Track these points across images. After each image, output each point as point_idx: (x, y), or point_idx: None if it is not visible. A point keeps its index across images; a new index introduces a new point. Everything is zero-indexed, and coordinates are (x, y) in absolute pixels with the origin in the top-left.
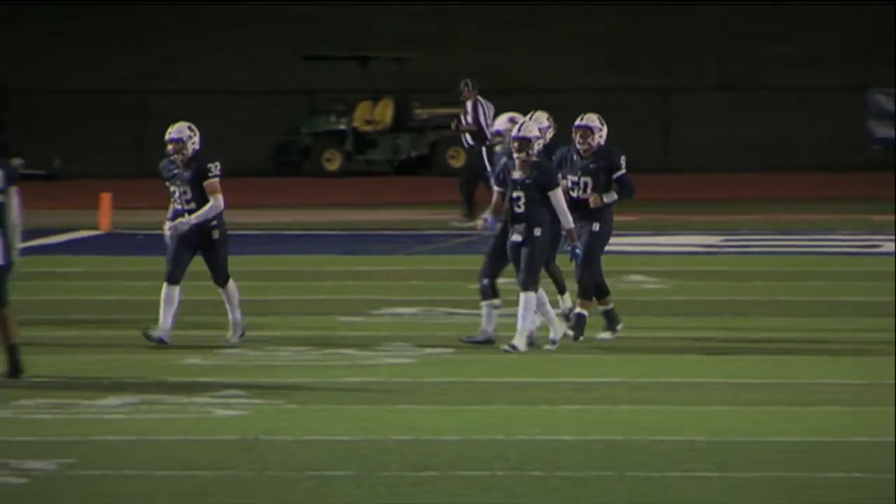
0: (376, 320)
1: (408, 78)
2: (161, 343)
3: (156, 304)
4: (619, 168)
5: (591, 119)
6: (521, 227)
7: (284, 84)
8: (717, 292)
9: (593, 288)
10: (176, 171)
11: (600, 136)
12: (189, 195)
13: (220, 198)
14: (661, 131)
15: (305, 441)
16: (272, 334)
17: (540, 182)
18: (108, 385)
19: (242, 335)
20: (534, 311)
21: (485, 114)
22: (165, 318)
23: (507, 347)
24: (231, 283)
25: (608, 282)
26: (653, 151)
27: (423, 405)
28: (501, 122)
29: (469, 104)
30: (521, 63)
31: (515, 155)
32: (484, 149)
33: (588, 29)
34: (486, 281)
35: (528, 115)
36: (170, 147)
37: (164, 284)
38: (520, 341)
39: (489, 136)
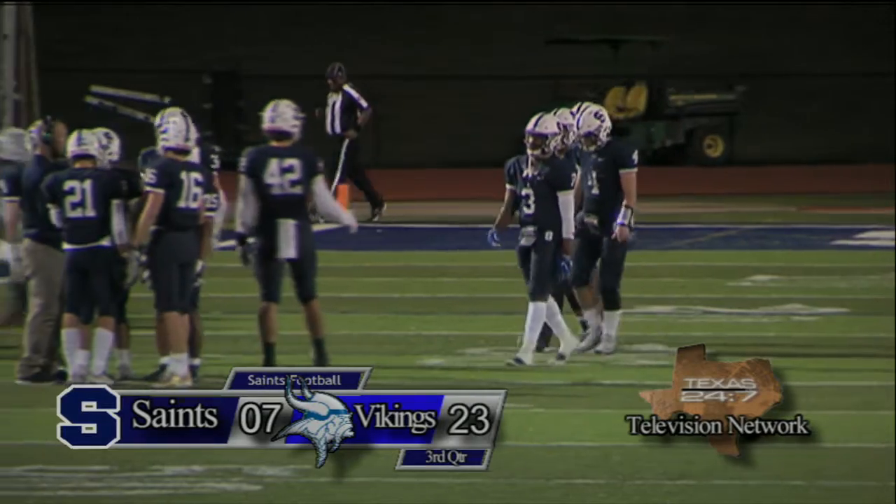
0: (629, 319)
1: (662, 62)
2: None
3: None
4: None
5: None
6: (530, 229)
7: (528, 69)
8: None
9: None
10: None
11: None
12: None
13: None
14: None
15: (552, 447)
16: (517, 333)
17: (552, 180)
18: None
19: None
20: (542, 322)
21: None
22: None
23: (511, 361)
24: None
25: None
26: None
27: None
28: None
29: None
30: (776, 47)
31: (530, 152)
32: None
33: (846, 13)
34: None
35: (577, 108)
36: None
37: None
38: (526, 355)
39: None
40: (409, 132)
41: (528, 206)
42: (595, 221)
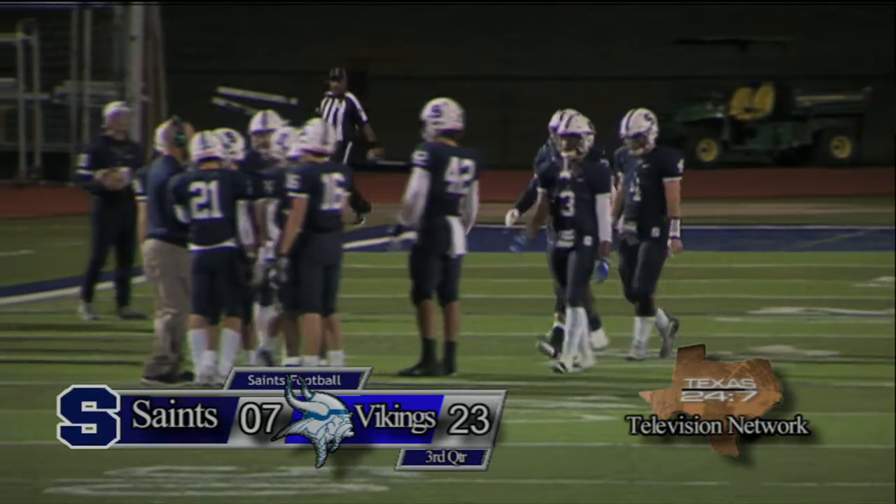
0: (755, 321)
1: (789, 63)
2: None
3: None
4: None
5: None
6: (569, 232)
7: (655, 70)
8: None
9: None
10: None
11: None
12: None
13: None
14: None
15: (679, 448)
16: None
17: (592, 183)
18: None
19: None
20: (583, 327)
21: None
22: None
23: (556, 366)
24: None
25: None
26: None
27: (806, 411)
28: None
29: None
30: None
31: (564, 153)
32: None
33: None
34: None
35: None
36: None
37: None
38: (568, 360)
39: None
40: (536, 134)
41: (567, 209)
42: (633, 228)
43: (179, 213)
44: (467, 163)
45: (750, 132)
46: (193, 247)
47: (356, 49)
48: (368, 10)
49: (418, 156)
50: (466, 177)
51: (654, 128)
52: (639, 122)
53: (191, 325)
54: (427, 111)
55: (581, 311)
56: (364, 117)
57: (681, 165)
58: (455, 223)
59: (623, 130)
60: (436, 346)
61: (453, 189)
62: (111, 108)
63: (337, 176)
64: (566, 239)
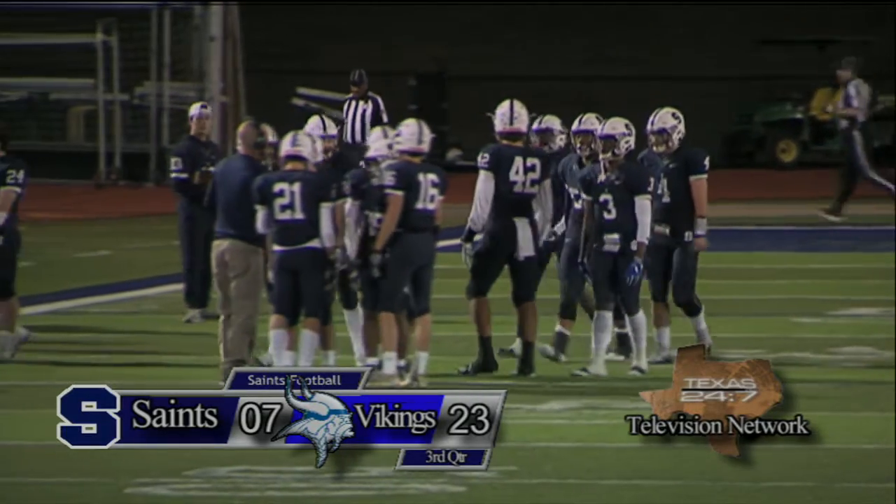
0: (833, 321)
1: (869, 63)
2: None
3: None
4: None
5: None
6: (613, 237)
7: (737, 70)
8: None
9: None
10: None
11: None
12: None
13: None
14: None
15: (758, 449)
16: (722, 335)
17: (631, 185)
18: (549, 389)
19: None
20: (644, 331)
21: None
22: None
23: (634, 370)
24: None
25: None
26: None
27: (887, 412)
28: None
29: (852, 87)
30: None
31: (601, 156)
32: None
33: None
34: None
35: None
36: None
37: None
38: (643, 362)
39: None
40: None
41: (609, 212)
42: (666, 231)
43: (260, 213)
44: (533, 161)
45: (829, 132)
46: (276, 247)
47: (434, 49)
48: (446, 10)
49: (481, 158)
50: (533, 175)
51: (681, 127)
52: (665, 118)
53: (272, 325)
54: (496, 113)
55: (642, 315)
56: (386, 118)
57: (707, 163)
58: (522, 224)
59: (648, 126)
60: (491, 344)
61: (519, 189)
62: (194, 108)
63: (432, 176)
64: (613, 242)
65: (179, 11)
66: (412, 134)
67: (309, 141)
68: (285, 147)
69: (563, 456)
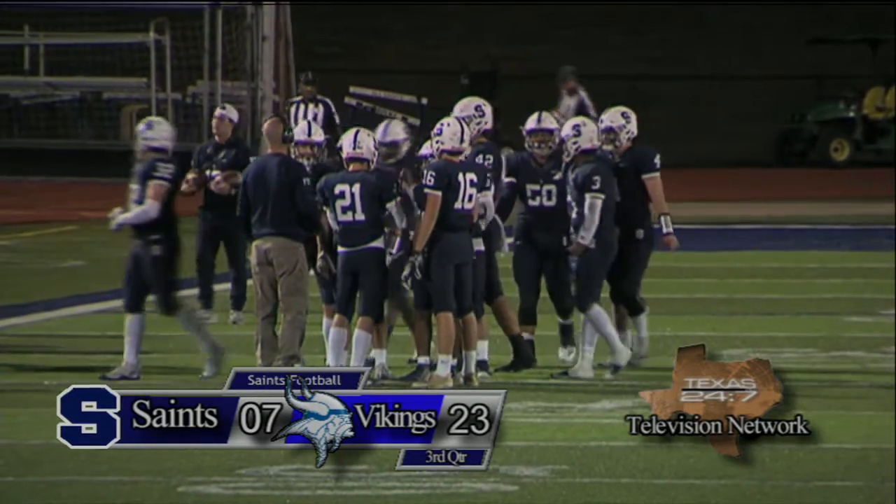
0: (886, 320)
1: None
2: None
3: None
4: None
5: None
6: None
7: (790, 69)
8: None
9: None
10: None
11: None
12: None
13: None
14: None
15: (811, 448)
16: (775, 335)
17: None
18: (601, 388)
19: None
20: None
21: None
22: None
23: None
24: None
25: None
26: None
27: None
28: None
29: None
30: None
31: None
32: None
33: None
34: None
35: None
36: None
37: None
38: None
39: None
40: (671, 133)
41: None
42: (617, 230)
43: (328, 213)
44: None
45: (882, 132)
46: (340, 248)
47: (487, 48)
48: (500, 9)
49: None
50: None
51: (630, 127)
52: (613, 117)
53: (334, 324)
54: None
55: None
56: (338, 119)
57: (657, 161)
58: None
59: (598, 124)
60: (523, 341)
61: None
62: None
63: (471, 176)
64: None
65: (231, 11)
66: (454, 133)
67: (370, 140)
68: (346, 149)
69: (616, 455)
